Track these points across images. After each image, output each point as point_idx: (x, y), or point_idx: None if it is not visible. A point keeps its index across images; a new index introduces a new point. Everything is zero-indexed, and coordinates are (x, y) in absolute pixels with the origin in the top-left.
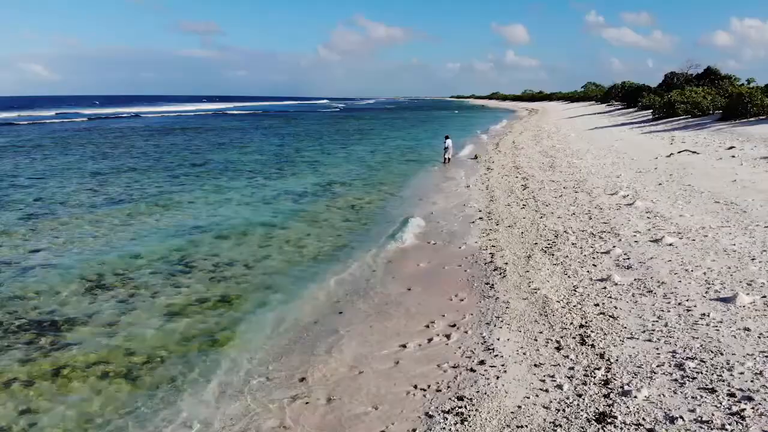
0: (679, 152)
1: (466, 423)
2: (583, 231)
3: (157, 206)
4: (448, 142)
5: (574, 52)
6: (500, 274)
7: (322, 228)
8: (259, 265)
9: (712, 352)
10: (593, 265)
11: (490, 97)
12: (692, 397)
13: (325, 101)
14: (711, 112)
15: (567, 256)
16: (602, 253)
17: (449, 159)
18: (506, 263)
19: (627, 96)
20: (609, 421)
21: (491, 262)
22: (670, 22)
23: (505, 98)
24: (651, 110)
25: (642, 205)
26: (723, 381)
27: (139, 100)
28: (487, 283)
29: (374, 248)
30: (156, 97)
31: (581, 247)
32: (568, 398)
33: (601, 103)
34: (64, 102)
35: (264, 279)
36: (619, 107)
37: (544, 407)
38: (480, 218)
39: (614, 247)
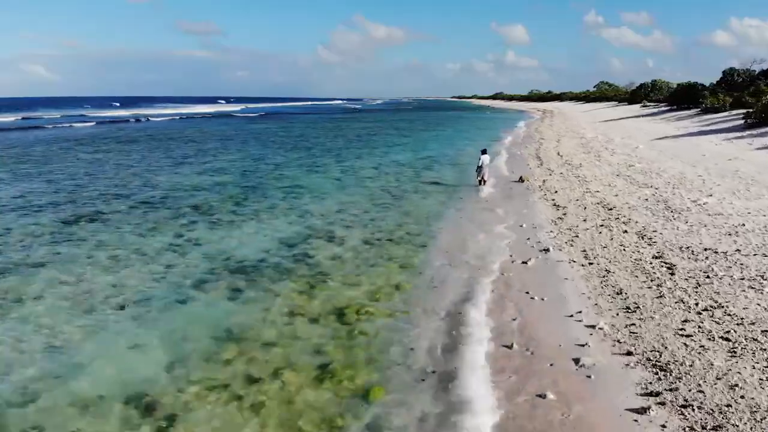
0: None
1: None
2: None
3: None
4: (485, 158)
5: (574, 52)
6: None
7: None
8: None
9: None
10: None
11: (494, 97)
12: None
13: (340, 101)
14: None
15: None
16: None
17: (485, 181)
18: None
19: (678, 96)
20: None
21: None
22: (669, 22)
23: (511, 98)
24: (720, 113)
25: None
26: None
27: (158, 101)
28: None
29: None
30: (178, 98)
31: None
32: None
33: (628, 103)
34: (86, 103)
35: None
36: (664, 108)
37: None
38: (649, 393)
39: None
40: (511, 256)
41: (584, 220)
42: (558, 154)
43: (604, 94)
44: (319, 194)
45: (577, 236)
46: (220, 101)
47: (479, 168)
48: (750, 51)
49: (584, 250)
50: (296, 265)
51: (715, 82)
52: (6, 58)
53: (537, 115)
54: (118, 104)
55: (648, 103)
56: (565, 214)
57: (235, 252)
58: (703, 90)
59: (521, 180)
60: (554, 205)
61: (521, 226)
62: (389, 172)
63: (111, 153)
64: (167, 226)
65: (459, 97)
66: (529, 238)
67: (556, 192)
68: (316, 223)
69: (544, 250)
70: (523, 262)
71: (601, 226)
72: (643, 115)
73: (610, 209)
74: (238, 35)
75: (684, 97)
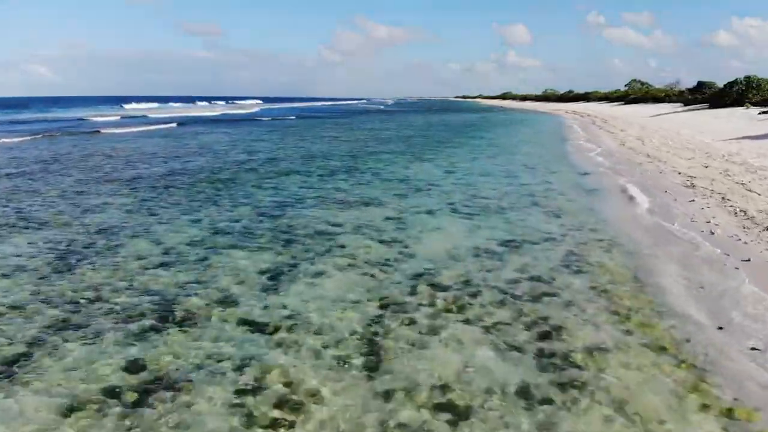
0: None
1: None
2: None
3: None
4: None
5: (576, 52)
6: None
7: None
8: None
9: None
10: None
11: (503, 97)
12: None
13: (354, 101)
14: None
15: None
16: None
17: None
18: None
19: None
20: None
21: None
22: (671, 22)
23: (524, 98)
24: None
25: None
26: None
27: (171, 100)
28: None
29: None
30: (202, 98)
31: None
32: None
33: (710, 106)
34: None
35: None
36: None
37: None
38: None
39: None
40: None
41: None
42: None
43: (649, 93)
44: None
45: None
46: (233, 101)
47: None
48: (753, 50)
49: None
50: None
51: None
52: (9, 59)
53: (570, 118)
54: (178, 104)
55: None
56: None
57: None
58: None
59: None
60: None
61: None
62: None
63: None
64: None
65: (463, 97)
66: None
67: None
68: None
69: None
70: None
71: None
72: None
73: None
74: (239, 36)
75: None
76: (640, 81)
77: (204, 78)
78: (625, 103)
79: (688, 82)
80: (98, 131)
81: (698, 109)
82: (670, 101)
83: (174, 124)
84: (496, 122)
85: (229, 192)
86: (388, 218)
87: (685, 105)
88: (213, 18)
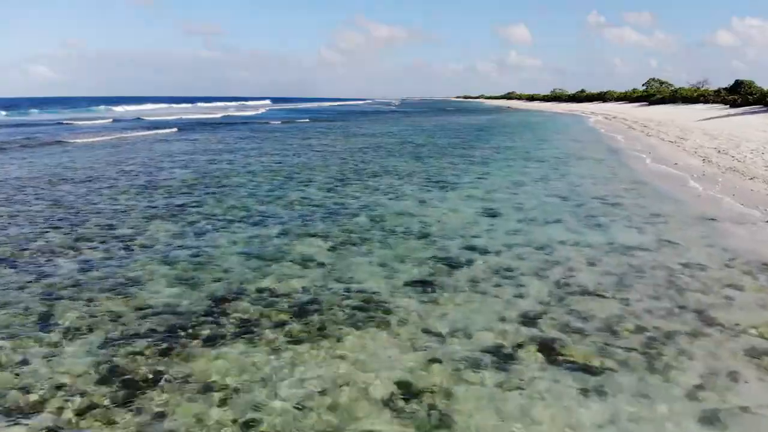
0: None
1: None
2: None
3: None
4: None
5: (577, 52)
6: None
7: None
8: None
9: None
10: None
11: (507, 97)
12: None
13: (363, 101)
14: None
15: None
16: None
17: None
18: None
19: None
20: None
21: None
22: (671, 22)
23: (532, 98)
24: None
25: None
26: None
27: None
28: None
29: None
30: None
31: None
32: None
33: (765, 106)
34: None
35: None
36: None
37: None
38: None
39: None
40: None
41: None
42: None
43: (678, 93)
44: None
45: None
46: (242, 101)
47: None
48: (754, 51)
49: None
50: None
51: None
52: (9, 59)
53: (595, 120)
54: (183, 105)
55: None
56: None
57: None
58: None
59: None
60: None
61: None
62: None
63: None
64: None
65: (465, 97)
66: None
67: None
68: None
69: None
70: None
71: None
72: None
73: None
74: (239, 36)
75: None
76: (659, 80)
77: (208, 78)
78: (650, 104)
79: (693, 81)
80: (58, 141)
81: (757, 112)
82: (705, 102)
83: (166, 130)
84: (513, 125)
85: (100, 276)
86: (399, 403)
87: (732, 106)
88: (213, 18)
